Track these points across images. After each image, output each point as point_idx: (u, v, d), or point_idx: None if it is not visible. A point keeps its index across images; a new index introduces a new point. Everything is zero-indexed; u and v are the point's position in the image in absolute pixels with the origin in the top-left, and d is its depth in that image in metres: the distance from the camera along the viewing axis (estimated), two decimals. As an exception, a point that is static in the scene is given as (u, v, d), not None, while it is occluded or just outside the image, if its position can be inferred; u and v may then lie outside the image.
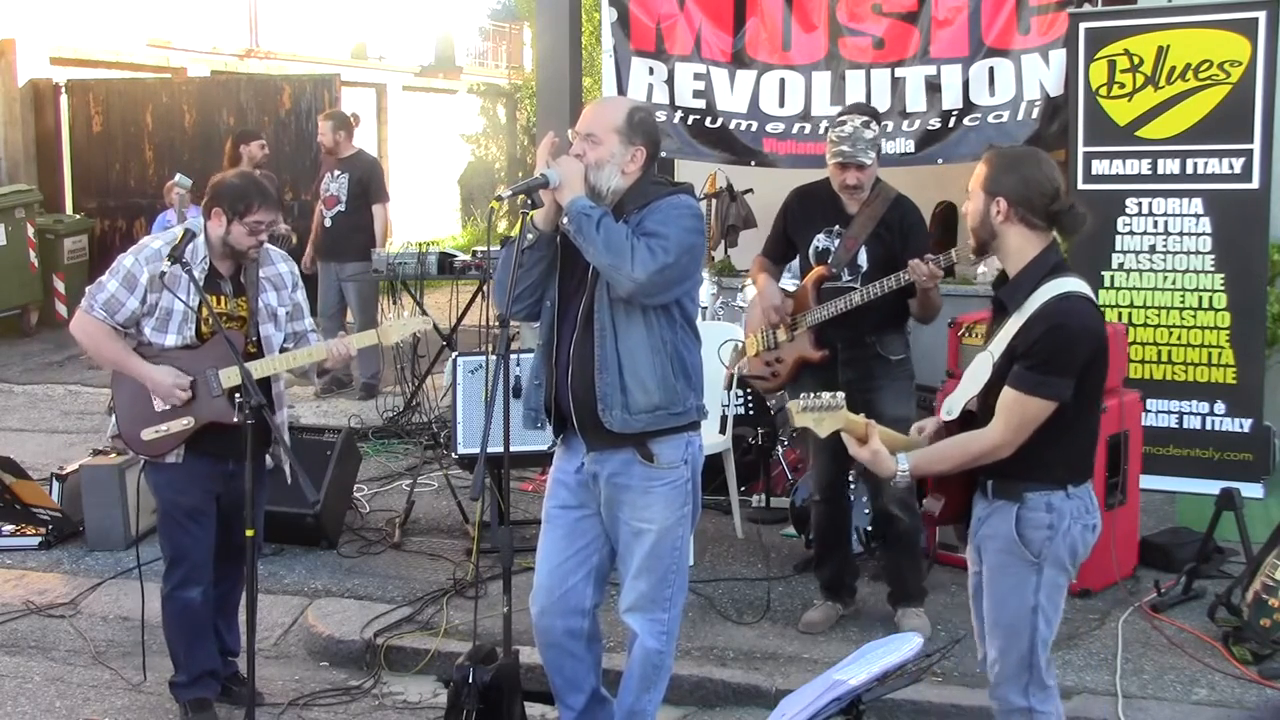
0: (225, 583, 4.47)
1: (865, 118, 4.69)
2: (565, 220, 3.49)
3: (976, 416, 3.27)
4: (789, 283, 6.62)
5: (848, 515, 5.01)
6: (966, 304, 6.79)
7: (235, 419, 4.01)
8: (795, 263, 7.41)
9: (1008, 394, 3.13)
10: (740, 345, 5.98)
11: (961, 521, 3.41)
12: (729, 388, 5.88)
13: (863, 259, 4.72)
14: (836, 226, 4.78)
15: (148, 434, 4.20)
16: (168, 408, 4.16)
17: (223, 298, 4.23)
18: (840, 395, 3.17)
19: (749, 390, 6.33)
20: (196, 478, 4.24)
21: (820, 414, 3.16)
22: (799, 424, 3.20)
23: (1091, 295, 3.23)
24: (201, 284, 4.14)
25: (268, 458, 4.32)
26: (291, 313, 4.41)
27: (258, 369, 4.13)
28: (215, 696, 4.42)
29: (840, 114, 4.83)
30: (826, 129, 7.24)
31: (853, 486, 5.19)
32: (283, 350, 4.35)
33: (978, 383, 3.28)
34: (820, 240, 4.81)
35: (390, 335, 4.40)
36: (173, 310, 4.17)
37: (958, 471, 3.25)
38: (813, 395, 3.17)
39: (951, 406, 3.35)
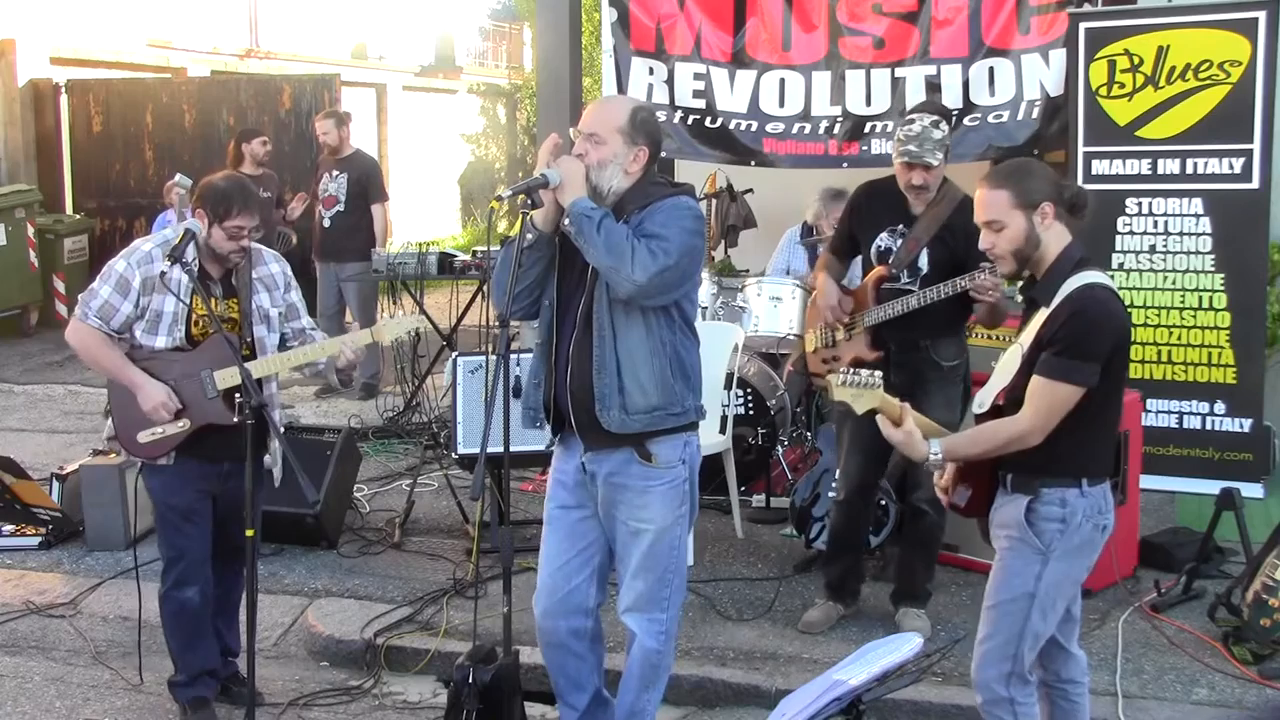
0: (224, 583, 4.47)
1: (935, 117, 4.61)
2: (566, 221, 3.49)
3: (1004, 410, 3.31)
4: (786, 285, 6.65)
5: (866, 522, 4.99)
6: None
7: (233, 420, 4.02)
8: (780, 264, 7.44)
9: (1036, 381, 3.19)
10: (738, 345, 6.00)
11: (986, 515, 3.45)
12: (729, 387, 5.88)
13: (923, 262, 4.65)
14: (900, 226, 4.71)
15: (144, 436, 4.20)
16: (172, 417, 4.16)
17: (213, 299, 4.21)
18: (878, 374, 3.24)
19: (749, 390, 6.34)
20: (189, 479, 4.24)
21: (859, 390, 3.22)
22: (838, 397, 3.24)
23: (1114, 287, 3.32)
24: (192, 285, 4.13)
25: (266, 457, 4.32)
26: (286, 313, 4.39)
27: (257, 369, 4.13)
28: (214, 696, 4.43)
29: (909, 112, 4.74)
30: (826, 129, 7.36)
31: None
32: (285, 349, 4.35)
33: (1007, 375, 3.34)
34: (883, 239, 4.75)
35: (385, 334, 4.36)
36: (163, 312, 4.16)
37: (988, 457, 3.30)
38: (852, 371, 3.22)
39: (983, 400, 3.41)
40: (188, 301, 4.15)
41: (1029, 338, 3.29)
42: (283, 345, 4.38)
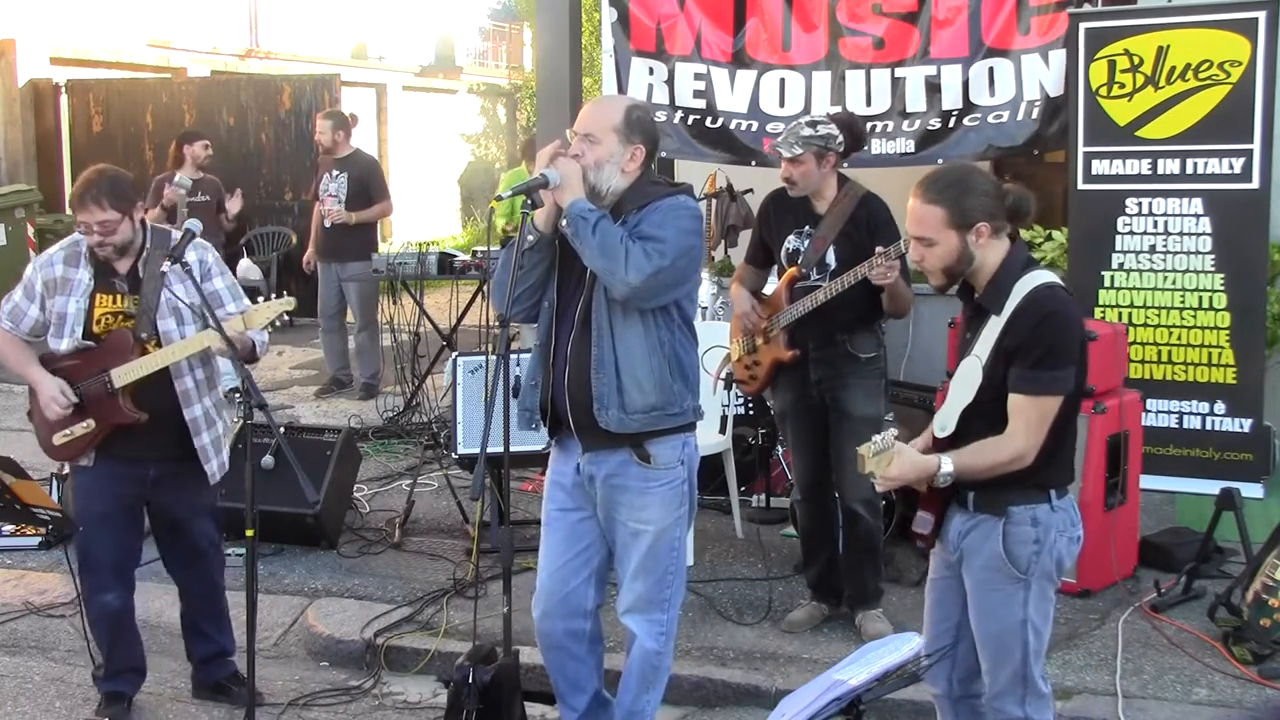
0: (197, 586, 4.43)
1: (819, 118, 4.78)
2: (564, 222, 3.49)
3: (970, 427, 3.17)
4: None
5: (833, 515, 5.01)
6: (966, 304, 6.79)
7: (138, 418, 4.06)
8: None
9: (1019, 400, 3.06)
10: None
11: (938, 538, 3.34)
12: (727, 388, 5.87)
13: (831, 258, 4.76)
14: (807, 227, 4.83)
15: (58, 439, 4.20)
16: (69, 412, 4.14)
17: (119, 296, 4.17)
18: (892, 432, 3.11)
19: (749, 390, 6.33)
20: (106, 482, 4.21)
21: (882, 454, 3.07)
22: (869, 469, 3.08)
23: (1066, 286, 3.20)
24: (93, 285, 4.13)
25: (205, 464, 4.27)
26: (209, 302, 4.19)
27: (141, 366, 4.07)
28: (134, 692, 4.43)
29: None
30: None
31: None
32: None
33: (969, 390, 3.18)
34: (791, 241, 4.87)
35: (256, 319, 4.18)
36: (65, 314, 4.14)
37: (987, 476, 3.13)
38: (877, 439, 3.08)
39: (944, 423, 3.25)
40: (84, 304, 4.12)
41: (986, 349, 3.15)
42: None
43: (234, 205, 9.09)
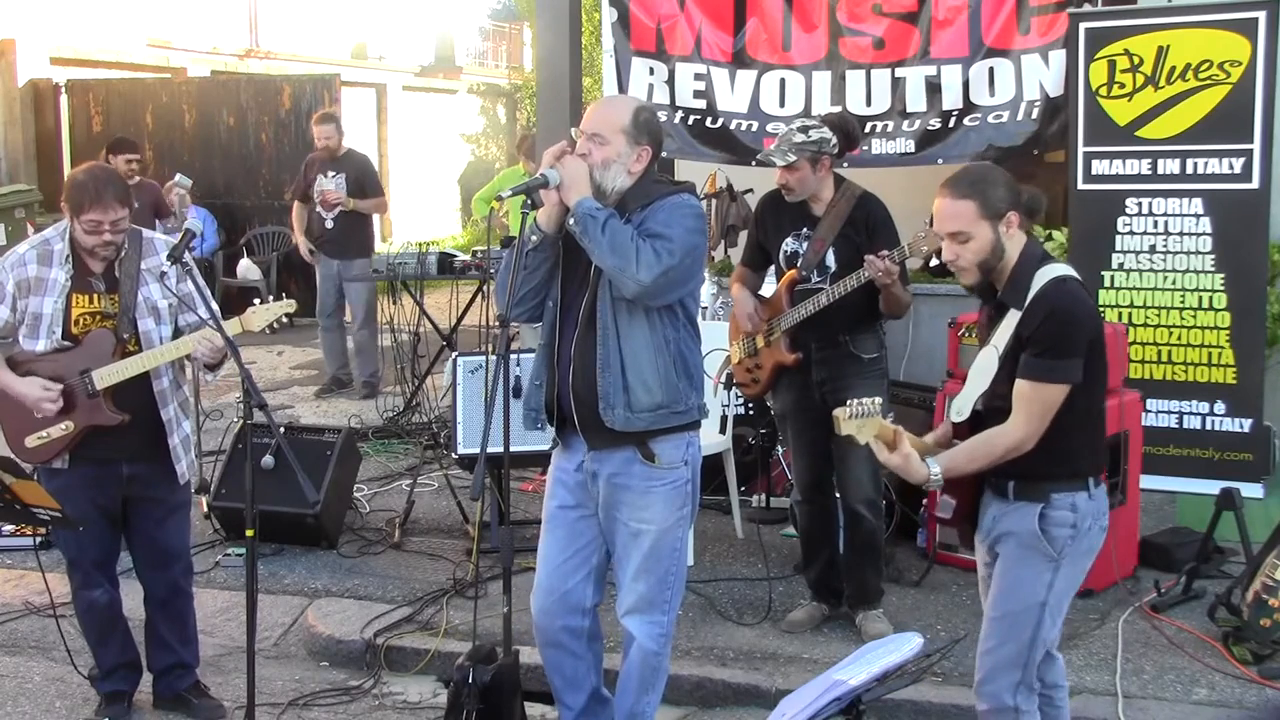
0: (161, 590, 4.36)
1: (811, 122, 4.76)
2: (571, 221, 3.49)
3: (984, 416, 3.27)
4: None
5: (832, 516, 5.02)
6: (967, 304, 6.79)
7: (118, 420, 4.02)
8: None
9: (1021, 385, 3.15)
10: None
11: (969, 523, 3.41)
12: (728, 389, 5.88)
13: (830, 259, 4.77)
14: (805, 229, 4.83)
15: (31, 441, 4.13)
16: (59, 407, 4.08)
17: (95, 295, 4.12)
18: (878, 400, 3.15)
19: (749, 390, 6.33)
20: (82, 484, 4.16)
21: (862, 420, 3.12)
22: (844, 431, 3.13)
23: (1080, 278, 3.28)
24: (69, 284, 4.08)
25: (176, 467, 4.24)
26: (176, 306, 4.21)
27: (126, 368, 4.03)
28: (133, 689, 4.40)
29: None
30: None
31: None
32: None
33: (985, 379, 3.28)
34: (789, 244, 4.87)
35: (254, 321, 4.16)
36: (41, 314, 4.09)
37: (987, 470, 3.24)
38: (857, 402, 3.13)
39: (961, 407, 3.35)
40: (62, 304, 4.07)
41: (1003, 339, 3.24)
42: (179, 337, 4.19)
43: (173, 198, 8.82)
